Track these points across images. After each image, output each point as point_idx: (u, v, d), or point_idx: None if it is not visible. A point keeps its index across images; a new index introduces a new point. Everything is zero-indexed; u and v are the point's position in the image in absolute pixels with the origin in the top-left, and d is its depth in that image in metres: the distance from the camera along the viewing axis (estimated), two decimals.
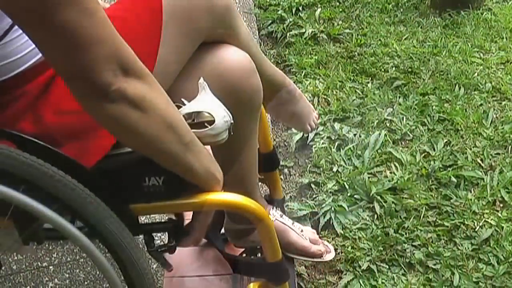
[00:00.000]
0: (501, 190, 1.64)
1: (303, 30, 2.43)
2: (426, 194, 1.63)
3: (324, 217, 1.59)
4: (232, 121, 0.92)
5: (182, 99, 0.91)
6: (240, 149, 1.11)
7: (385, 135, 1.84)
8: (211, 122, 0.89)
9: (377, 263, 1.46)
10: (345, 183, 1.68)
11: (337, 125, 1.90)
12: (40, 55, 0.85)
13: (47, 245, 1.49)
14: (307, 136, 1.87)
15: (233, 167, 1.11)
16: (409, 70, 2.18)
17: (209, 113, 0.89)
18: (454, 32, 2.44)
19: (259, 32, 2.53)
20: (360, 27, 2.49)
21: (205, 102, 0.91)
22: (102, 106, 0.73)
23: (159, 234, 1.41)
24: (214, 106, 0.91)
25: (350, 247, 1.50)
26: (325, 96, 2.05)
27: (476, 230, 1.53)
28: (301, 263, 1.47)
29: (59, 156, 0.83)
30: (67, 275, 1.43)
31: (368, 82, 2.13)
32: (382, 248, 1.49)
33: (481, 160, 1.76)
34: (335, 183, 1.69)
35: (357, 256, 1.47)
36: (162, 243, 0.99)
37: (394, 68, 2.18)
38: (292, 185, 1.78)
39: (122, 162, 0.89)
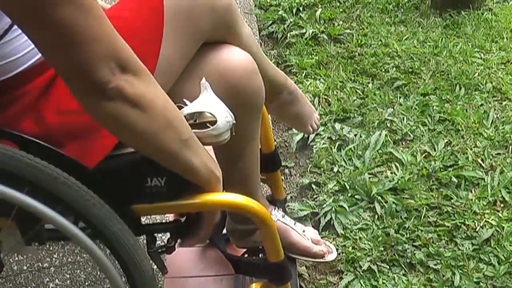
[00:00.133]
0: (501, 190, 1.64)
1: (304, 31, 2.44)
2: (426, 194, 1.63)
3: (324, 217, 1.59)
4: (234, 122, 0.92)
5: (184, 100, 0.91)
6: (242, 149, 1.11)
7: (386, 135, 1.84)
8: (213, 122, 0.89)
9: (377, 263, 1.46)
10: (345, 184, 1.68)
11: (337, 126, 1.90)
12: (39, 55, 0.85)
13: (48, 246, 1.49)
14: (308, 137, 1.87)
15: (235, 167, 1.11)
16: (410, 70, 2.18)
17: (211, 114, 0.89)
18: (455, 32, 2.44)
19: (259, 33, 2.54)
20: (360, 28, 2.49)
21: (207, 102, 0.91)
22: (100, 104, 0.73)
23: (159, 235, 1.41)
24: (216, 106, 0.91)
25: (350, 248, 1.50)
26: (325, 97, 2.05)
27: (476, 230, 1.53)
28: (302, 263, 1.47)
29: (62, 157, 0.83)
30: (68, 276, 1.43)
31: (368, 83, 2.13)
32: (382, 249, 1.49)
33: (482, 160, 1.76)
34: (335, 183, 1.69)
35: (358, 256, 1.47)
36: (162, 243, 0.99)
37: (394, 68, 2.18)
38: (292, 186, 1.78)
39: (124, 162, 0.89)
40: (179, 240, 0.99)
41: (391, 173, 1.72)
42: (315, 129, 1.38)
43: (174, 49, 0.96)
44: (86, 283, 1.42)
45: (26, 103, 0.86)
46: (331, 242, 1.48)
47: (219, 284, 1.39)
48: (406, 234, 1.53)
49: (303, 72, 2.19)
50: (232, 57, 1.02)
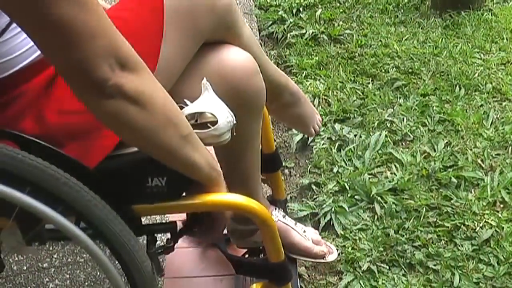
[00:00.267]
0: (501, 191, 1.64)
1: (304, 31, 2.44)
2: (426, 195, 1.63)
3: (324, 217, 1.59)
4: (235, 122, 0.92)
5: (185, 100, 0.91)
6: (242, 149, 1.11)
7: (386, 135, 1.85)
8: (214, 122, 0.89)
9: (377, 263, 1.46)
10: (345, 184, 1.68)
11: (337, 126, 1.90)
12: (37, 54, 0.86)
13: (47, 246, 1.49)
14: (308, 137, 1.87)
15: (235, 167, 1.11)
16: (410, 70, 2.18)
17: (212, 114, 0.89)
18: (455, 33, 2.44)
19: (259, 33, 2.54)
20: (360, 28, 2.49)
21: (208, 102, 0.91)
22: (100, 102, 0.73)
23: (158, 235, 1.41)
24: (217, 106, 0.91)
25: (350, 248, 1.50)
26: (325, 97, 2.06)
27: (476, 230, 1.53)
28: (302, 263, 1.47)
29: (62, 157, 0.83)
30: (68, 276, 1.43)
31: (368, 83, 2.13)
32: (382, 249, 1.49)
33: (482, 160, 1.76)
34: (335, 183, 1.69)
35: (358, 256, 1.47)
36: (161, 243, 0.99)
37: (394, 69, 2.19)
38: (292, 186, 1.78)
39: (125, 163, 0.89)
40: (178, 241, 0.99)
41: (391, 173, 1.72)
42: (317, 130, 1.37)
43: (174, 49, 0.96)
44: (86, 283, 1.42)
45: (25, 103, 0.86)
46: (330, 243, 1.49)
47: (220, 284, 1.39)
48: (406, 234, 1.53)
49: (303, 73, 2.19)
50: (233, 57, 1.01)
